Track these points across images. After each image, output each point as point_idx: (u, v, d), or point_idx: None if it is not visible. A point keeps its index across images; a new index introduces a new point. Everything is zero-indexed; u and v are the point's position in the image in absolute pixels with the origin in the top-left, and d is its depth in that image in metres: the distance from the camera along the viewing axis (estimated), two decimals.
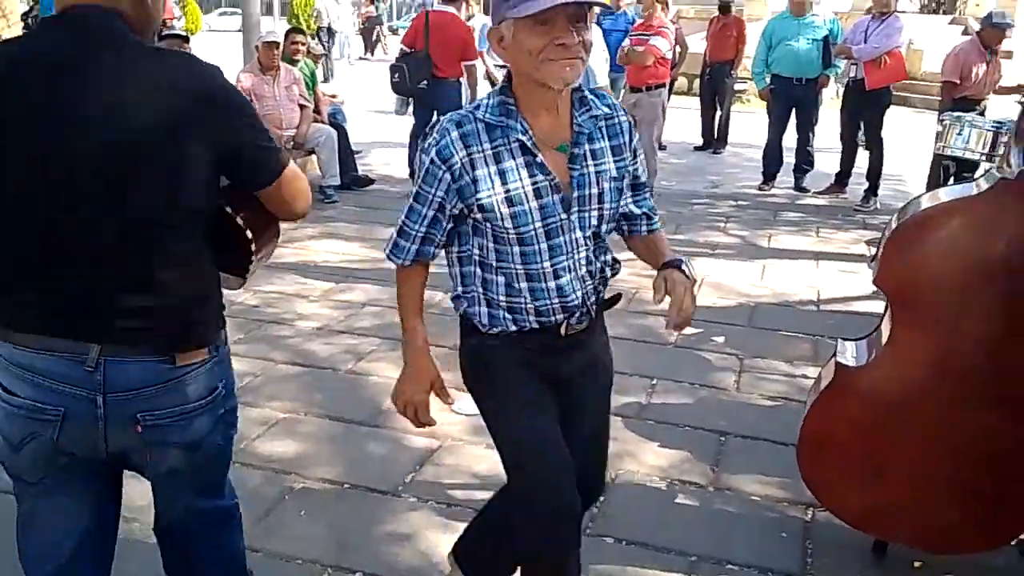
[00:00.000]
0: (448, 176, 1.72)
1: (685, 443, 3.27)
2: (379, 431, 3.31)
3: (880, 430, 2.42)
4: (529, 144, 1.71)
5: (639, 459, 3.15)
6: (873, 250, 5.91)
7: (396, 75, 7.14)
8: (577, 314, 1.84)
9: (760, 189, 7.86)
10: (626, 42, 7.32)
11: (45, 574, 1.73)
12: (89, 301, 1.53)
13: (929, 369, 2.36)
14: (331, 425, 3.35)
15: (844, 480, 2.52)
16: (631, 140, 1.85)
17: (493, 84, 7.87)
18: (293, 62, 7.13)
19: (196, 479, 1.76)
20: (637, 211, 1.95)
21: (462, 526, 2.69)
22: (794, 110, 7.60)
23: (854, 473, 2.49)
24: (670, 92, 7.99)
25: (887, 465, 2.43)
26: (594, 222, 1.80)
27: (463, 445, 3.21)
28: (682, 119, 10.60)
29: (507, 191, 1.71)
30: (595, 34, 7.72)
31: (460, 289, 1.87)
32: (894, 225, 2.44)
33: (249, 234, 1.67)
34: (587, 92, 1.79)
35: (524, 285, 1.78)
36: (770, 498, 2.94)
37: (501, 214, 1.72)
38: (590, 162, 1.76)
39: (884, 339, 2.48)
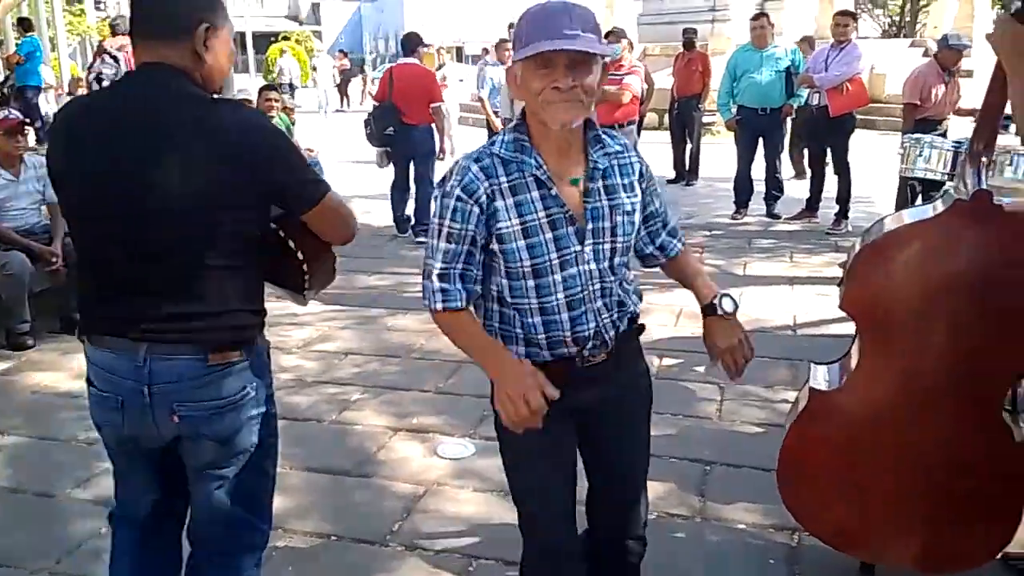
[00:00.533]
0: (476, 209, 1.77)
1: (670, 474, 3.29)
2: (365, 480, 3.31)
3: (855, 452, 2.46)
4: (543, 178, 1.77)
5: None
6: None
7: (367, 127, 7.32)
8: (590, 345, 1.86)
9: (733, 218, 7.98)
10: None
11: (127, 523, 2.09)
12: (140, 307, 1.83)
13: (897, 388, 2.39)
14: (317, 477, 3.35)
15: (824, 504, 2.54)
16: (644, 178, 1.92)
17: (492, 131, 8.00)
18: (268, 118, 7.20)
19: (233, 481, 1.99)
20: (648, 248, 2.03)
21: (446, 571, 2.70)
22: (761, 139, 7.74)
23: (833, 496, 2.52)
24: (640, 128, 8.13)
25: (865, 486, 2.46)
26: (607, 254, 1.84)
27: (448, 489, 3.23)
28: (653, 154, 10.73)
29: (523, 223, 1.76)
30: None
31: (482, 320, 1.90)
32: (857, 249, 2.50)
33: (300, 255, 1.93)
34: (601, 131, 1.86)
35: (538, 320, 1.82)
36: (757, 525, 2.96)
37: (517, 246, 1.77)
38: (603, 197, 1.82)
39: (854, 362, 2.53)
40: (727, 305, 1.97)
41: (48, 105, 11.77)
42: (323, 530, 2.97)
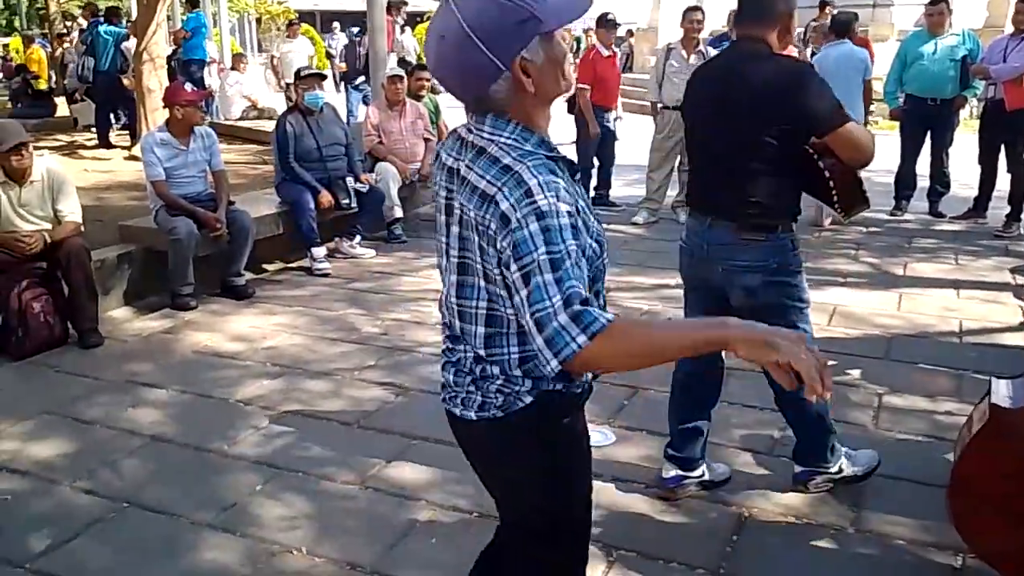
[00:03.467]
0: (574, 208, 1.45)
1: None
2: None
3: None
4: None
5: (772, 498, 3.04)
6: (1019, 279, 5.58)
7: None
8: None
9: (892, 214, 7.53)
10: None
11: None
12: (710, 193, 2.81)
13: None
14: (457, 452, 3.36)
15: (1000, 528, 2.36)
16: None
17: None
18: (418, 97, 7.33)
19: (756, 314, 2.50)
20: None
21: (594, 548, 2.67)
22: (929, 132, 7.27)
23: (1012, 521, 2.33)
24: None
25: None
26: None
27: None
28: None
29: (585, 220, 1.49)
30: None
31: (506, 354, 1.59)
32: None
33: (827, 174, 2.63)
34: None
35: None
36: (915, 542, 2.78)
37: (594, 249, 1.52)
38: None
39: None
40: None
41: (211, 79, 12.38)
42: (466, 506, 2.98)
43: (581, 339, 1.34)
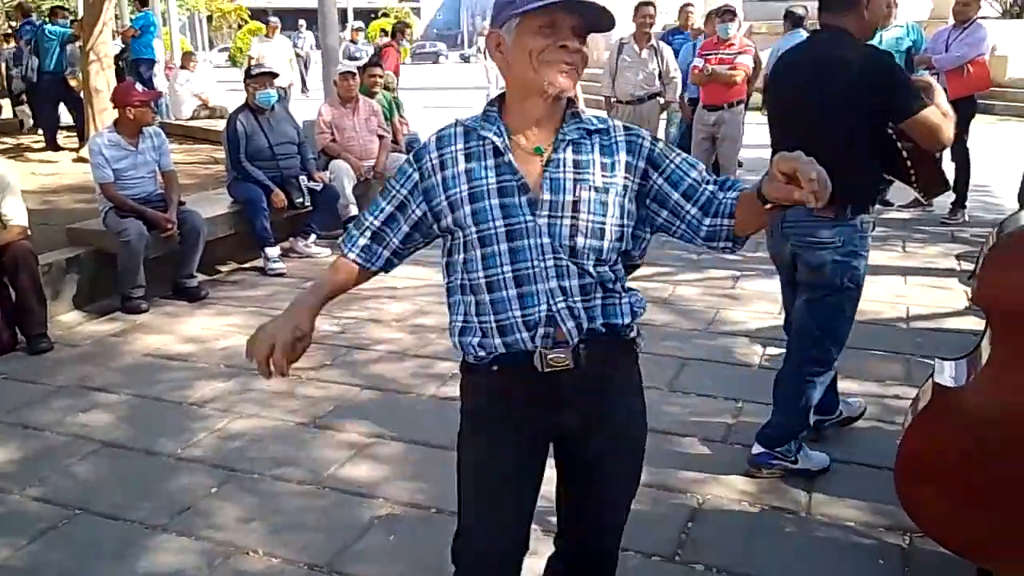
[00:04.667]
0: (416, 175, 1.72)
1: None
2: None
3: (982, 454, 2.32)
4: (500, 145, 1.66)
5: (727, 484, 3.09)
6: (964, 265, 5.71)
7: None
8: (543, 333, 1.66)
9: None
10: (698, 61, 7.26)
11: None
12: None
13: None
14: (414, 448, 3.37)
15: (945, 506, 2.42)
16: (637, 158, 1.71)
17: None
18: (371, 95, 7.29)
19: (816, 303, 2.99)
20: (706, 223, 1.72)
21: (542, 550, 2.68)
22: (769, 129, 7.39)
23: (956, 499, 2.39)
24: (746, 108, 7.89)
25: (991, 490, 2.32)
26: (567, 231, 1.65)
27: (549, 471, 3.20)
28: (759, 134, 10.42)
29: (471, 188, 1.66)
30: (667, 53, 7.70)
31: (450, 320, 1.79)
32: (993, 241, 2.35)
33: (905, 154, 2.79)
34: (585, 113, 1.74)
35: (486, 298, 1.68)
36: (866, 524, 2.84)
37: (464, 212, 1.66)
38: (570, 169, 1.66)
39: (984, 359, 2.39)
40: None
41: (158, 79, 12.18)
42: (421, 502, 2.99)
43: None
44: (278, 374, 1.66)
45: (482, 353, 1.71)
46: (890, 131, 2.80)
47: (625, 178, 1.70)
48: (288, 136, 6.21)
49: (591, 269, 1.68)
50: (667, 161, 1.73)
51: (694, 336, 4.56)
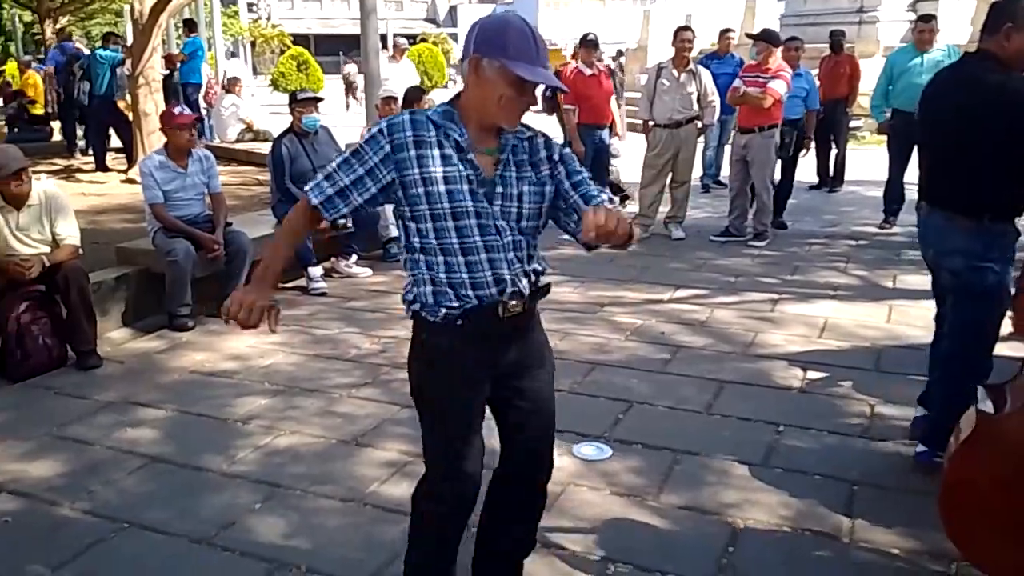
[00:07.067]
0: (388, 147, 2.02)
1: (814, 492, 3.17)
2: None
3: None
4: (464, 144, 2.04)
5: (767, 507, 3.08)
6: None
7: None
8: (509, 292, 2.09)
9: (881, 227, 7.62)
10: (737, 83, 7.28)
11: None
12: (933, 183, 3.29)
13: None
14: None
15: (991, 535, 2.40)
16: (552, 154, 2.15)
17: None
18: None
19: (959, 317, 3.21)
20: (585, 204, 2.10)
21: (583, 572, 2.70)
22: (916, 146, 7.33)
23: (1002, 527, 2.37)
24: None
25: None
26: (514, 215, 2.08)
27: (584, 491, 3.22)
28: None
29: (445, 171, 2.02)
30: (705, 76, 7.73)
31: (410, 277, 2.15)
32: None
33: None
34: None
35: (461, 259, 2.06)
36: (909, 551, 2.81)
37: (439, 190, 2.01)
38: (513, 169, 2.09)
39: None
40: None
41: (203, 103, 12.47)
42: None
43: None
44: (252, 323, 2.09)
45: (455, 305, 2.08)
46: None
47: (551, 170, 2.15)
48: (330, 159, 6.27)
49: (531, 240, 2.15)
50: (563, 154, 2.19)
51: (732, 359, 4.54)
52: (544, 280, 2.23)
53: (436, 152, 2.02)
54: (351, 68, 22.82)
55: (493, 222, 2.05)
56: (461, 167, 2.03)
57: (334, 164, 2.10)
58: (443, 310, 2.10)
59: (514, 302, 2.11)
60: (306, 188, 2.13)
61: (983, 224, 3.05)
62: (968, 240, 3.08)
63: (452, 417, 2.20)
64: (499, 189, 2.07)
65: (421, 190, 2.03)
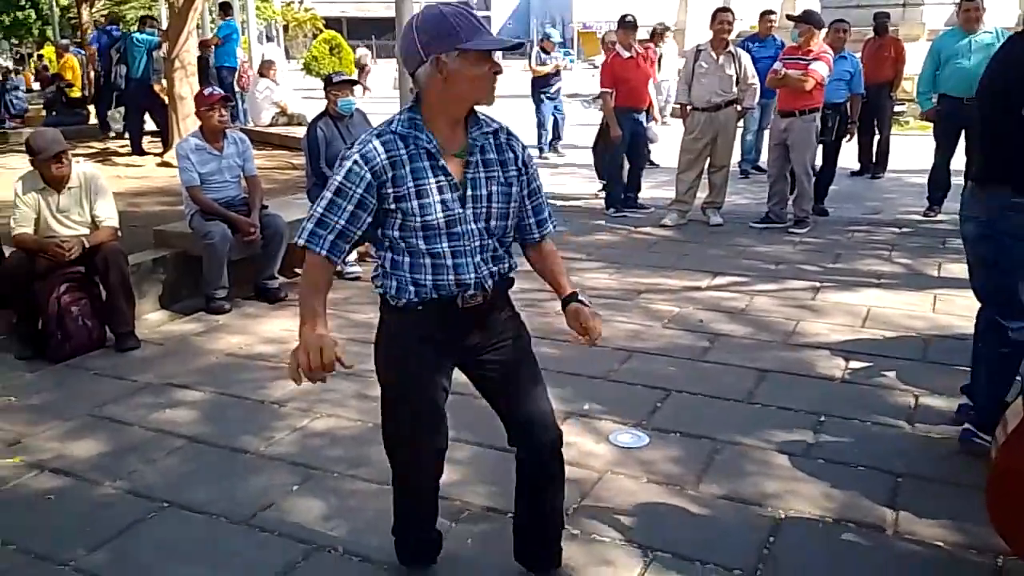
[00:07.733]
0: (368, 175, 2.06)
1: (857, 483, 3.11)
2: None
3: None
4: (434, 151, 2.09)
5: (809, 499, 3.02)
6: None
7: None
8: (471, 292, 2.17)
9: (925, 215, 7.46)
10: (777, 65, 7.15)
11: None
12: (973, 157, 3.80)
13: None
14: (487, 453, 3.37)
15: None
16: (519, 155, 2.22)
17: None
18: None
19: (993, 281, 3.24)
20: (528, 219, 2.30)
21: (622, 561, 2.67)
22: (964, 131, 7.17)
23: None
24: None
25: None
26: (484, 217, 2.15)
27: (622, 479, 3.18)
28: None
29: (418, 187, 2.08)
30: (745, 58, 7.61)
31: (379, 263, 2.22)
32: None
33: None
34: (478, 112, 2.16)
35: (428, 262, 2.14)
36: (955, 544, 2.75)
37: (412, 205, 2.08)
38: (481, 169, 2.15)
39: None
40: (585, 297, 2.31)
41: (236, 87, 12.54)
42: (497, 506, 2.99)
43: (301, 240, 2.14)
44: (328, 372, 2.08)
45: (414, 298, 2.16)
46: None
47: (517, 171, 2.21)
48: None
49: (499, 241, 2.22)
50: (529, 164, 2.27)
51: (772, 348, 4.47)
52: (511, 275, 2.29)
53: (408, 168, 2.08)
54: (363, 52, 22.96)
55: (462, 227, 2.12)
56: (434, 177, 2.09)
57: (320, 208, 2.10)
58: (403, 300, 2.18)
59: (474, 293, 2.19)
60: (302, 241, 2.12)
61: (996, 193, 3.05)
62: (981, 207, 3.11)
63: (415, 393, 2.30)
64: (469, 191, 2.12)
65: (394, 206, 2.09)
